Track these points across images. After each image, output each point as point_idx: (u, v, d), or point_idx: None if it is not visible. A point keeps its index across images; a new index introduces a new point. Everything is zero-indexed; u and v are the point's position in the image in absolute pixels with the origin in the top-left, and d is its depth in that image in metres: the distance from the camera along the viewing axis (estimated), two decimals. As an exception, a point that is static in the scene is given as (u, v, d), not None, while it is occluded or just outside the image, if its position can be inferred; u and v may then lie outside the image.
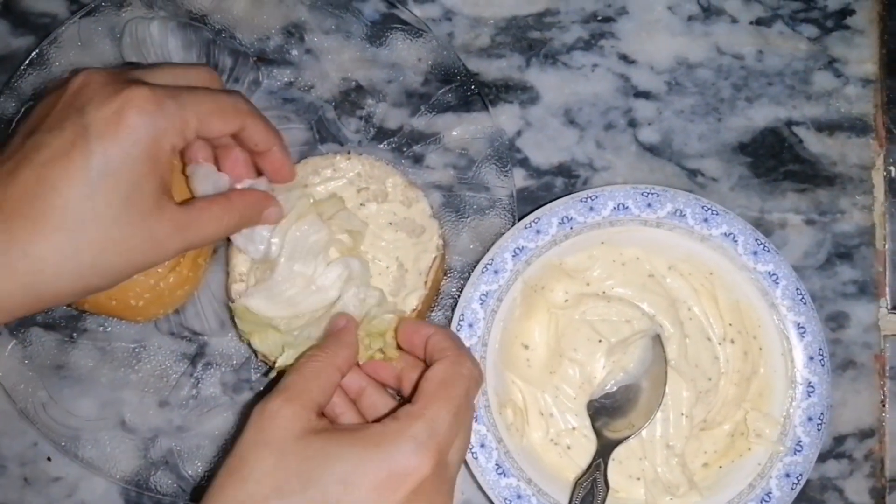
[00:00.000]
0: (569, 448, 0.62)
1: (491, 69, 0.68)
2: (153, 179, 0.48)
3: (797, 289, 0.61)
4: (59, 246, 0.46)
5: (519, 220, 0.63)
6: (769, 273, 0.61)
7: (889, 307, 0.67)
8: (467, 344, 0.60)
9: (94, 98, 0.47)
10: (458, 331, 0.60)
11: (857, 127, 0.68)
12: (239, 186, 0.57)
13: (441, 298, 0.64)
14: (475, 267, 0.62)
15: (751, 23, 0.69)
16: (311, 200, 0.61)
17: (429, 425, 0.47)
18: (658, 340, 0.61)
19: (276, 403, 0.47)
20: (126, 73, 0.51)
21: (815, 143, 0.68)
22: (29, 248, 0.45)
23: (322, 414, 0.50)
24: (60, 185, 0.45)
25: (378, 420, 0.49)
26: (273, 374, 0.58)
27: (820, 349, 0.61)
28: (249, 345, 0.61)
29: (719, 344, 0.63)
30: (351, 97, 0.67)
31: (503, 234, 0.62)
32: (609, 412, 0.61)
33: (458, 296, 0.62)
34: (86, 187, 0.46)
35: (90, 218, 0.46)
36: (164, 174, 0.49)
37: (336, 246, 0.61)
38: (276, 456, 0.45)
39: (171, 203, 0.50)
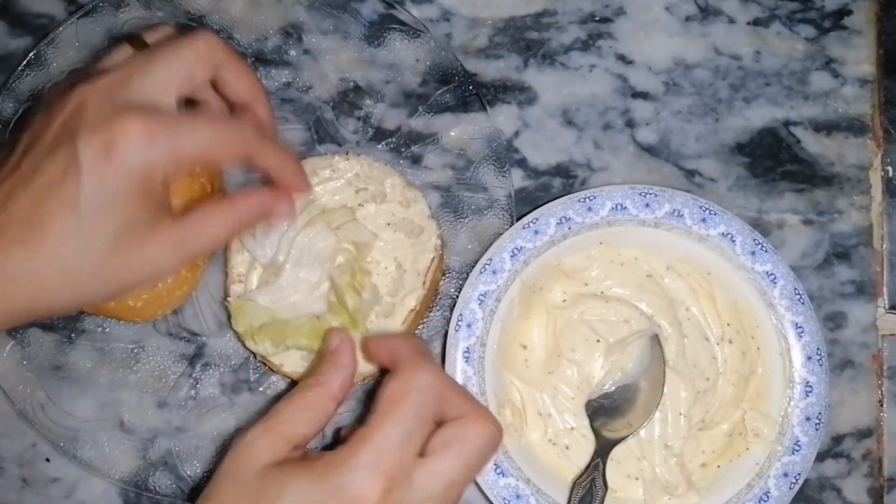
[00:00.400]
0: (567, 448, 0.62)
1: (489, 70, 0.68)
2: (147, 208, 0.47)
3: (795, 288, 0.61)
4: (54, 273, 0.46)
5: (517, 220, 0.63)
6: (767, 273, 0.62)
7: (887, 307, 0.67)
8: (465, 345, 0.60)
9: (87, 125, 0.46)
10: (457, 331, 0.60)
11: (855, 127, 0.68)
12: None
13: (439, 299, 0.64)
14: (473, 267, 0.62)
15: (748, 23, 0.69)
16: (322, 209, 0.61)
17: (375, 449, 0.45)
18: (656, 340, 0.61)
19: (255, 433, 0.48)
20: (125, 89, 0.48)
21: (812, 144, 0.68)
22: (25, 274, 0.45)
23: (301, 445, 0.49)
24: (55, 214, 0.45)
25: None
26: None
27: (818, 349, 0.61)
28: (245, 346, 0.61)
29: (717, 344, 0.63)
30: (349, 98, 0.67)
31: (501, 234, 0.62)
32: (607, 412, 0.61)
33: (457, 296, 0.62)
34: (78, 219, 0.45)
35: (84, 248, 0.46)
36: (160, 199, 0.48)
37: (343, 255, 0.61)
38: (236, 487, 0.46)
39: (168, 221, 0.48)
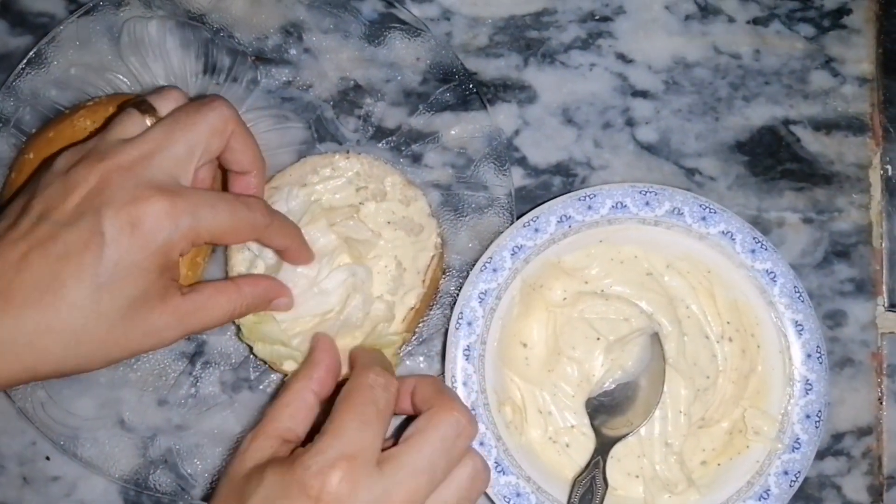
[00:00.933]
0: (567, 446, 0.62)
1: (489, 68, 0.68)
2: (161, 281, 0.50)
3: (795, 286, 0.61)
4: (63, 340, 0.48)
5: (517, 218, 0.63)
6: (767, 271, 0.62)
7: (886, 305, 0.67)
8: (465, 343, 0.60)
9: (113, 201, 0.48)
10: (457, 329, 0.60)
11: (854, 126, 0.68)
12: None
13: (440, 297, 0.64)
14: (474, 265, 0.62)
15: (748, 22, 0.69)
16: (323, 207, 0.61)
17: (333, 440, 0.47)
18: (656, 338, 0.61)
19: (248, 436, 0.51)
20: (147, 167, 0.50)
21: (812, 142, 0.68)
22: (35, 338, 0.47)
23: (291, 440, 0.51)
24: (70, 282, 0.47)
25: None
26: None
27: (818, 347, 0.61)
28: (251, 349, 0.61)
29: (717, 342, 0.63)
30: (349, 96, 0.67)
31: (502, 232, 0.62)
32: (607, 410, 0.61)
33: (457, 294, 0.62)
34: (94, 289, 0.47)
35: (95, 316, 0.48)
36: (173, 272, 0.51)
37: (344, 252, 0.61)
38: (226, 489, 0.49)
39: (177, 293, 0.51)
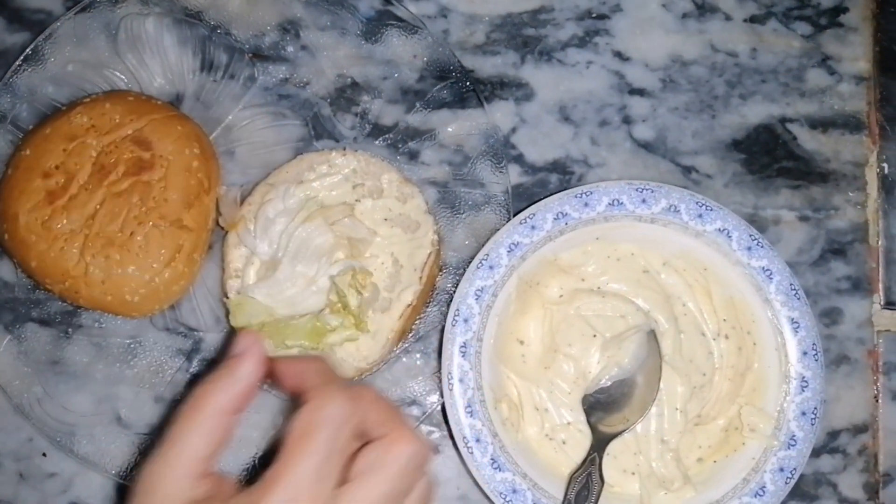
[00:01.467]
0: (564, 443, 0.62)
1: (486, 66, 0.69)
2: None
3: (791, 284, 0.61)
4: None
5: (514, 216, 0.63)
6: (763, 268, 0.62)
7: (882, 303, 0.67)
8: (461, 340, 0.60)
9: None
10: (454, 326, 0.61)
11: (851, 124, 0.69)
12: None
13: (436, 294, 0.64)
14: (470, 262, 0.62)
15: (745, 20, 0.69)
16: (320, 205, 0.62)
17: (288, 488, 0.41)
18: (652, 336, 0.61)
19: (154, 467, 0.42)
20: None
21: (808, 141, 0.68)
22: None
23: (207, 472, 0.43)
24: None
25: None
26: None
27: (813, 344, 0.61)
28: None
29: (713, 339, 0.63)
30: (346, 94, 0.67)
31: (498, 229, 0.62)
32: (604, 407, 0.61)
33: (454, 291, 0.62)
34: None
35: None
36: None
37: (341, 250, 0.61)
38: None
39: None
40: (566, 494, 0.59)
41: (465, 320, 0.61)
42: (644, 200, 0.62)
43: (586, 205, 0.62)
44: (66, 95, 0.66)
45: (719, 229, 0.62)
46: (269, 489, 0.41)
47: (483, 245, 0.62)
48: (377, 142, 0.66)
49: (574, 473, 0.59)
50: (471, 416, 0.59)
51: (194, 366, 0.64)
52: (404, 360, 0.64)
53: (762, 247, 0.62)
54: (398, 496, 0.44)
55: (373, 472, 0.43)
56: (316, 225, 0.60)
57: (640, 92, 0.69)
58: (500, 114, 0.68)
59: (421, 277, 0.62)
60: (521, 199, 0.67)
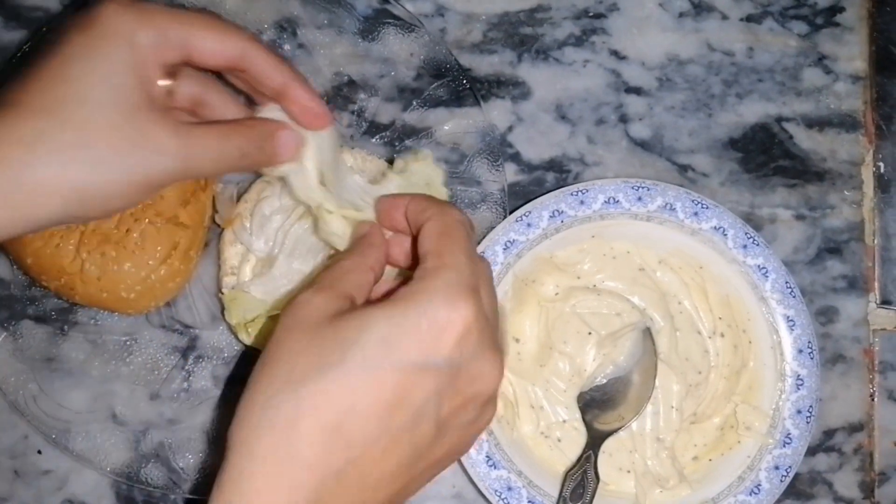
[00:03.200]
0: (559, 441, 0.62)
1: (483, 64, 0.69)
2: (138, 92, 0.45)
3: (786, 282, 0.61)
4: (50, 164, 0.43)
5: (510, 213, 0.63)
6: (759, 266, 0.62)
7: (878, 302, 0.67)
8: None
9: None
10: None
11: (847, 123, 0.69)
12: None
13: (432, 292, 0.64)
14: (466, 260, 0.62)
15: (741, 19, 0.69)
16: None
17: (452, 271, 0.44)
18: (648, 334, 0.61)
19: (307, 294, 0.45)
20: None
21: (805, 140, 0.68)
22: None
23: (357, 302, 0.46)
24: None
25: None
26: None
27: (809, 342, 0.61)
28: (238, 338, 0.61)
29: (709, 337, 0.63)
30: (343, 92, 0.67)
31: (494, 227, 0.62)
32: (599, 405, 0.61)
33: (450, 289, 0.62)
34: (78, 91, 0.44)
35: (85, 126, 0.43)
36: (154, 94, 0.46)
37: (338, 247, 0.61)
38: (311, 334, 0.43)
39: (169, 118, 0.46)
40: (561, 492, 0.59)
41: (461, 318, 0.61)
42: (640, 198, 0.62)
43: (582, 203, 0.62)
44: (62, 93, 0.66)
45: (715, 227, 0.62)
46: (437, 272, 0.44)
47: (479, 242, 0.62)
48: (374, 140, 0.66)
49: (569, 471, 0.59)
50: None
51: (189, 363, 0.64)
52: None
53: (758, 245, 0.62)
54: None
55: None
56: (312, 222, 0.60)
57: (637, 91, 0.69)
58: (497, 112, 0.68)
59: (417, 275, 0.62)
60: (518, 197, 0.67)
